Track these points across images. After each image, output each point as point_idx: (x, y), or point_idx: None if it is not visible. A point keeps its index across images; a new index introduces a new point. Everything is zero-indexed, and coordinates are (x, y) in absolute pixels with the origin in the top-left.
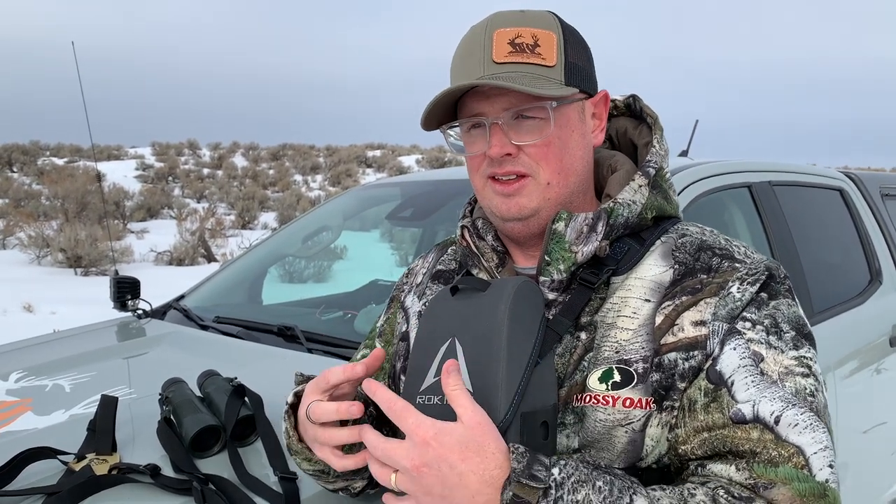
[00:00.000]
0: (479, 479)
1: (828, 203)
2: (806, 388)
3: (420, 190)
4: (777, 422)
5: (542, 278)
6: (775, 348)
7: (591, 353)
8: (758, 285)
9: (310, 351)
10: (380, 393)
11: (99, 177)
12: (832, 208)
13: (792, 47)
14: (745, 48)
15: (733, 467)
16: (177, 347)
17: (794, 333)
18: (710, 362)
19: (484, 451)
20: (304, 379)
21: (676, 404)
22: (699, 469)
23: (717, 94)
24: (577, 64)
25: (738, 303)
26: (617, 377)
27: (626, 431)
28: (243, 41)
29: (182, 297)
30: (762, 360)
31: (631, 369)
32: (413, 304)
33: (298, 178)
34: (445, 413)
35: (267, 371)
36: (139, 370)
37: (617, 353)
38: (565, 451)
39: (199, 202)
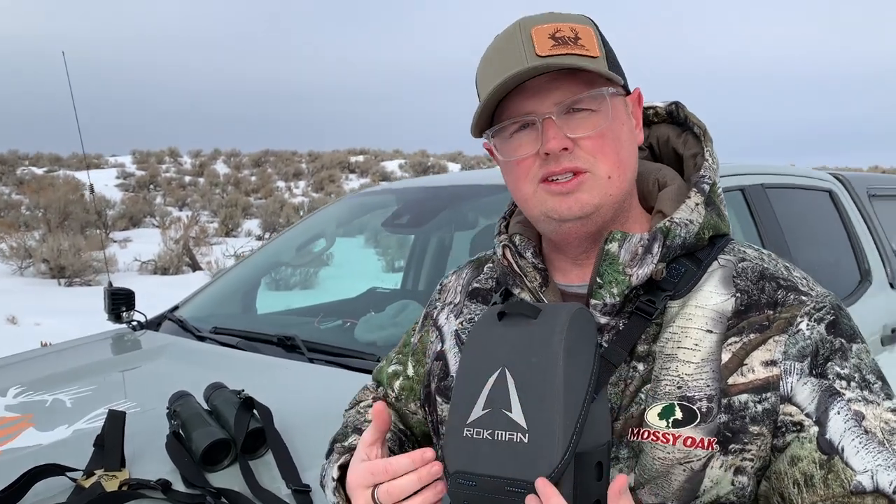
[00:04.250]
0: None
1: (818, 204)
2: None
3: (415, 196)
4: None
5: (593, 301)
6: (871, 403)
7: (648, 386)
8: (824, 324)
9: (311, 361)
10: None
11: (92, 188)
12: (822, 210)
13: (763, 46)
14: (715, 46)
15: None
16: (176, 360)
17: (881, 383)
18: (818, 428)
19: None
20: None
21: (748, 447)
22: None
23: (692, 94)
24: (615, 58)
25: (808, 341)
26: (678, 415)
27: (685, 470)
28: (222, 47)
29: (176, 307)
30: (863, 418)
31: (694, 407)
32: (448, 322)
33: (281, 184)
34: (494, 449)
35: (271, 382)
36: (140, 383)
37: (679, 388)
38: None
39: (181, 210)
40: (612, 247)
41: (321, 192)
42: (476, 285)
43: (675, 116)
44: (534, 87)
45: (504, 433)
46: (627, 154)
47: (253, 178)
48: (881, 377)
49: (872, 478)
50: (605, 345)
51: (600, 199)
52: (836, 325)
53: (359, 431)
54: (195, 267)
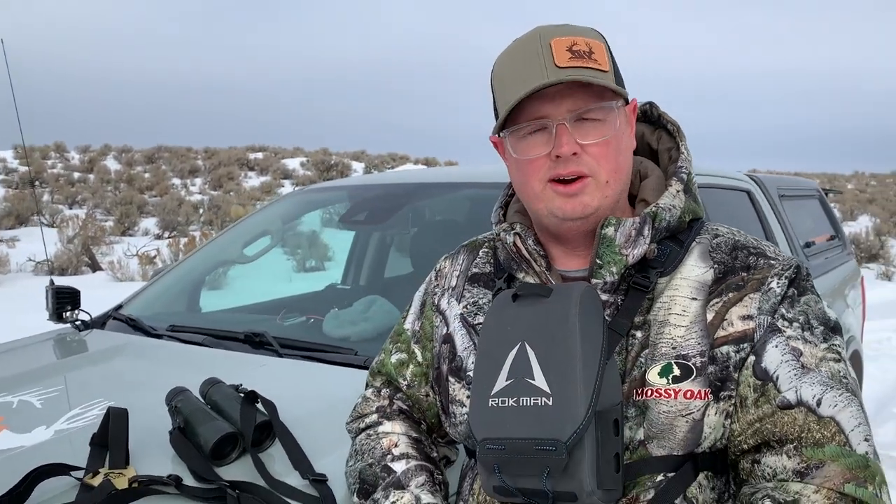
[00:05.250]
0: None
1: (738, 204)
2: (840, 371)
3: (370, 193)
4: (819, 404)
5: (594, 280)
6: (810, 342)
7: (647, 350)
8: (789, 280)
9: (281, 356)
10: None
11: (32, 183)
12: (742, 208)
13: (668, 57)
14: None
15: (784, 456)
16: (139, 358)
17: (822, 328)
18: (755, 357)
19: None
20: None
21: (733, 393)
22: (755, 466)
23: None
24: (619, 71)
25: (777, 297)
26: (676, 371)
27: (687, 421)
28: (110, 39)
29: (120, 306)
30: (801, 354)
31: (689, 363)
32: (451, 306)
33: (177, 181)
34: (520, 413)
35: (250, 378)
36: (110, 382)
37: (674, 348)
38: (631, 443)
39: (71, 208)
40: (609, 231)
41: (220, 190)
42: (475, 270)
43: (649, 115)
44: (550, 93)
45: (529, 399)
46: (625, 160)
47: (147, 175)
48: (826, 324)
49: (796, 392)
50: (608, 318)
51: (599, 201)
52: (796, 280)
53: (387, 471)
54: (95, 267)
